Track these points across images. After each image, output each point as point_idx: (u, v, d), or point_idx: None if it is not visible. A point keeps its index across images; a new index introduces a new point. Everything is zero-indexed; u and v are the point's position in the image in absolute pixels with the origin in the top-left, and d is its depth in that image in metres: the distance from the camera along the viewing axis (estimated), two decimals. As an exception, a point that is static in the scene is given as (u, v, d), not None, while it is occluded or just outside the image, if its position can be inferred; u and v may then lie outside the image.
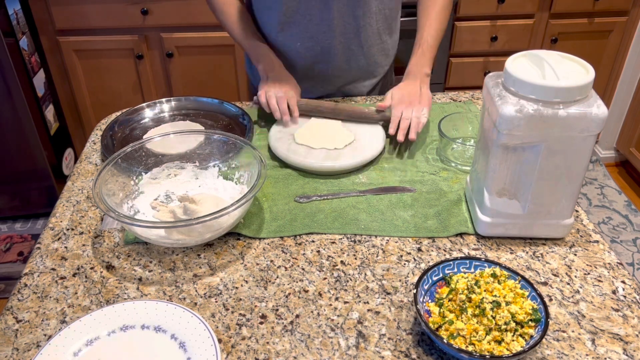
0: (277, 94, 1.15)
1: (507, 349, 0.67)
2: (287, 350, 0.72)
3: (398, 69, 1.45)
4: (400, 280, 0.82)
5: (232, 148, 0.99)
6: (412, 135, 1.07)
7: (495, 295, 0.71)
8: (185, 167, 1.00)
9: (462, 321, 0.70)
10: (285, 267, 0.85)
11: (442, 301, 0.73)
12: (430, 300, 0.75)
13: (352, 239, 0.90)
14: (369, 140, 1.09)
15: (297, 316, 0.77)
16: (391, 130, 1.08)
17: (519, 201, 0.86)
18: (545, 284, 0.82)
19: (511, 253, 0.87)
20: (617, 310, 0.77)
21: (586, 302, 0.79)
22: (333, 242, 0.90)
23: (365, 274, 0.83)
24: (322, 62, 1.25)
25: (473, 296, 0.71)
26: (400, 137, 1.07)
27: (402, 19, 1.34)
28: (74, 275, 0.85)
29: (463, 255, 0.87)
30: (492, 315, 0.69)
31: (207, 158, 1.01)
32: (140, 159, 0.98)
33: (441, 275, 0.77)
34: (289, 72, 1.21)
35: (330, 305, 0.79)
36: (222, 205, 0.86)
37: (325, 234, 0.91)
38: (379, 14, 1.22)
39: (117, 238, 0.91)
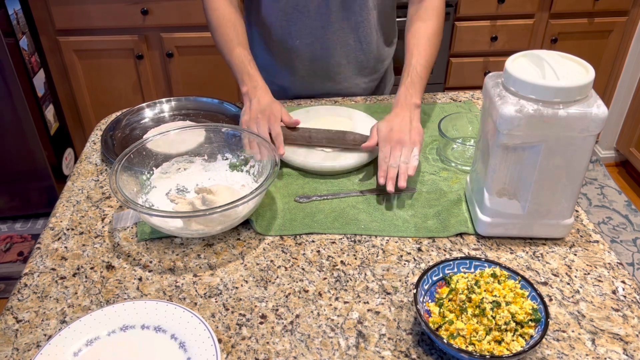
0: (260, 128, 1.02)
1: (507, 349, 0.67)
2: (287, 350, 0.72)
3: (397, 69, 1.45)
4: (400, 280, 0.82)
5: (241, 140, 1.01)
6: (401, 183, 0.95)
7: (495, 295, 0.71)
8: (194, 160, 1.03)
9: (462, 321, 0.70)
10: (285, 267, 0.85)
11: (442, 301, 0.73)
12: (430, 300, 0.75)
13: (352, 239, 0.90)
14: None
15: (297, 316, 0.77)
16: (380, 180, 0.96)
17: (519, 201, 0.86)
18: (545, 284, 0.82)
19: (511, 253, 0.87)
20: (617, 310, 0.77)
21: (586, 302, 0.79)
22: (333, 242, 0.90)
23: (365, 274, 0.83)
24: (321, 59, 1.26)
25: (473, 296, 0.71)
26: (390, 188, 0.95)
27: (398, 19, 1.34)
28: (74, 275, 0.85)
29: (463, 255, 0.87)
30: (492, 315, 0.69)
31: (215, 151, 1.03)
32: (150, 157, 0.99)
33: (441, 275, 0.77)
34: (272, 95, 1.09)
35: (330, 305, 0.79)
36: (237, 195, 0.88)
37: (325, 234, 0.91)
38: (375, 9, 1.23)
39: (118, 238, 0.91)
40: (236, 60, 1.11)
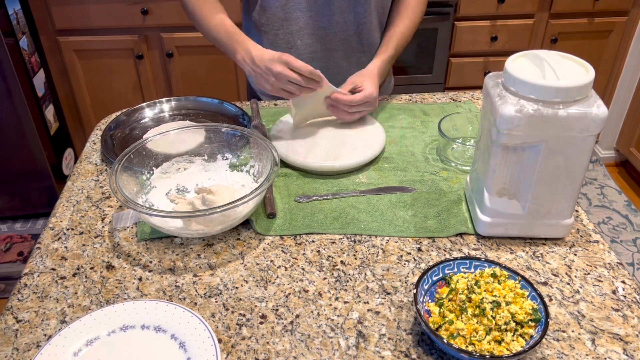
0: (279, 74, 1.00)
1: (507, 349, 0.67)
2: (287, 350, 0.72)
3: (396, 69, 1.45)
4: (400, 280, 0.82)
5: (241, 140, 1.01)
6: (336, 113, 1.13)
7: (495, 295, 0.71)
8: (194, 160, 1.03)
9: (462, 321, 0.70)
10: (285, 267, 0.85)
11: (442, 301, 0.73)
12: (430, 300, 0.75)
13: (352, 239, 0.90)
14: (368, 140, 1.09)
15: (297, 316, 0.77)
16: (330, 108, 1.13)
17: (519, 201, 0.86)
18: (545, 284, 0.82)
19: (511, 253, 0.87)
20: (617, 310, 0.77)
21: (586, 302, 0.79)
22: (333, 242, 0.90)
23: (365, 274, 0.83)
24: (322, 60, 1.26)
25: (473, 296, 0.71)
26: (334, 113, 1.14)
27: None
28: (74, 275, 0.85)
29: (463, 255, 0.87)
30: (492, 315, 0.69)
31: (215, 151, 1.03)
32: (150, 157, 1.00)
33: (441, 275, 0.77)
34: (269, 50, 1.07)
35: (330, 305, 0.79)
36: (237, 195, 0.88)
37: (325, 234, 0.91)
38: (376, 10, 1.23)
39: (118, 238, 0.91)
40: (221, 34, 1.11)
